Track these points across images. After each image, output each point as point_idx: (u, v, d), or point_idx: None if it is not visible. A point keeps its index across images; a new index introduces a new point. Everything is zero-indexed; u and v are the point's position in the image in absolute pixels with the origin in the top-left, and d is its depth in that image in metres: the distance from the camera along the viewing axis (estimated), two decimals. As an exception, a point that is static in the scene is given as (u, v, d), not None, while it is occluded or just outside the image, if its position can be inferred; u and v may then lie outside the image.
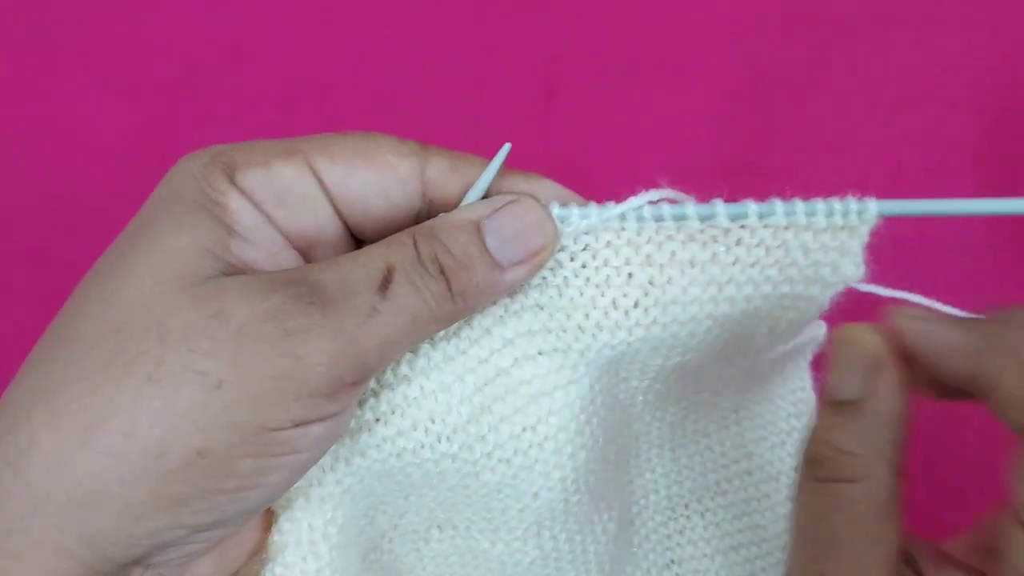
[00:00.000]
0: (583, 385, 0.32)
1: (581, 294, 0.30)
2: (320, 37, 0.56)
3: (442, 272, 0.27)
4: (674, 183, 0.53)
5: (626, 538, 0.39)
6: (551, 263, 0.30)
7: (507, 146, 0.30)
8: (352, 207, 0.29)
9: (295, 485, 0.29)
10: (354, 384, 0.26)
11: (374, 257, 0.27)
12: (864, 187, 0.52)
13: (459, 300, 0.28)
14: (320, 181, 0.29)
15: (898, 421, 0.28)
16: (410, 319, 0.27)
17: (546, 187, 0.31)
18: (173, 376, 0.24)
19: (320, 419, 0.26)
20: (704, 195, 0.53)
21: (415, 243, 0.27)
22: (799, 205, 0.29)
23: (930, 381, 0.29)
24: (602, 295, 0.30)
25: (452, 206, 0.30)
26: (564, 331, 0.31)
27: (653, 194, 0.30)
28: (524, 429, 0.30)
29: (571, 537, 0.35)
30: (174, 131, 0.55)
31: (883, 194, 0.52)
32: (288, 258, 0.29)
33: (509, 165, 0.31)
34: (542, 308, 0.31)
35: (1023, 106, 0.54)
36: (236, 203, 0.27)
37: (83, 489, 0.23)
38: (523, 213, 0.29)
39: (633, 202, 0.29)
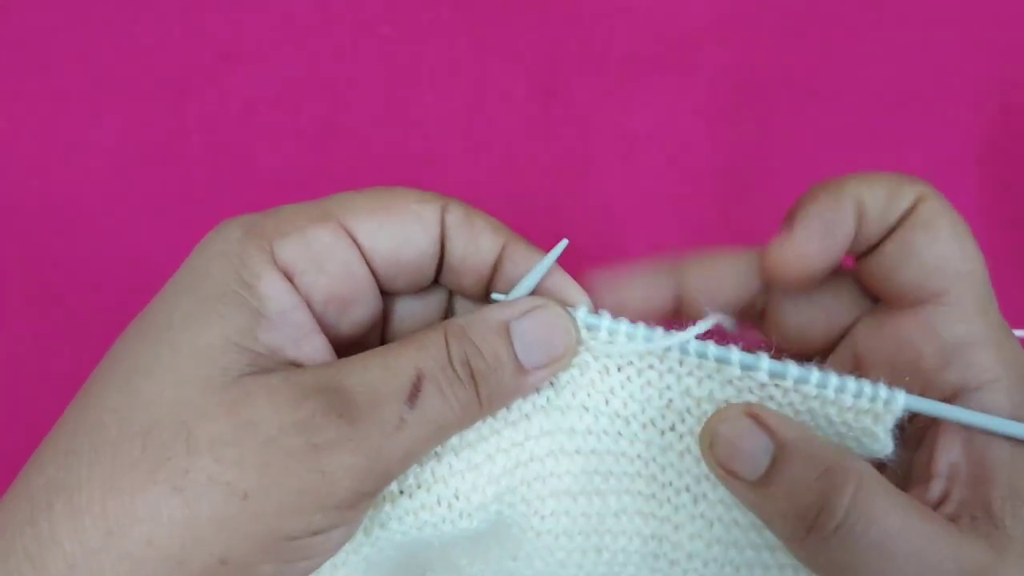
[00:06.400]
0: (608, 503, 0.32)
1: (625, 406, 0.31)
2: (320, 38, 0.56)
3: (472, 377, 0.27)
4: (672, 184, 0.54)
5: None
6: (598, 367, 0.30)
7: (564, 242, 0.29)
8: (384, 260, 0.29)
9: None
10: (375, 492, 0.27)
11: (404, 364, 0.27)
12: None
13: (486, 405, 0.28)
14: (355, 240, 0.29)
15: None
16: (436, 428, 0.27)
17: (572, 292, 0.30)
18: (198, 487, 0.24)
19: (340, 526, 0.26)
20: (701, 196, 0.53)
21: (447, 343, 0.27)
22: (832, 379, 0.29)
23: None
24: (642, 411, 0.31)
25: (467, 255, 0.30)
26: (606, 434, 0.31)
27: (702, 326, 0.29)
28: (542, 518, 0.31)
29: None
30: (174, 131, 0.54)
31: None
32: (312, 344, 0.28)
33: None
34: (587, 410, 0.31)
35: (1023, 105, 0.54)
36: (267, 287, 0.27)
37: None
38: (549, 319, 0.29)
39: (681, 336, 0.29)
